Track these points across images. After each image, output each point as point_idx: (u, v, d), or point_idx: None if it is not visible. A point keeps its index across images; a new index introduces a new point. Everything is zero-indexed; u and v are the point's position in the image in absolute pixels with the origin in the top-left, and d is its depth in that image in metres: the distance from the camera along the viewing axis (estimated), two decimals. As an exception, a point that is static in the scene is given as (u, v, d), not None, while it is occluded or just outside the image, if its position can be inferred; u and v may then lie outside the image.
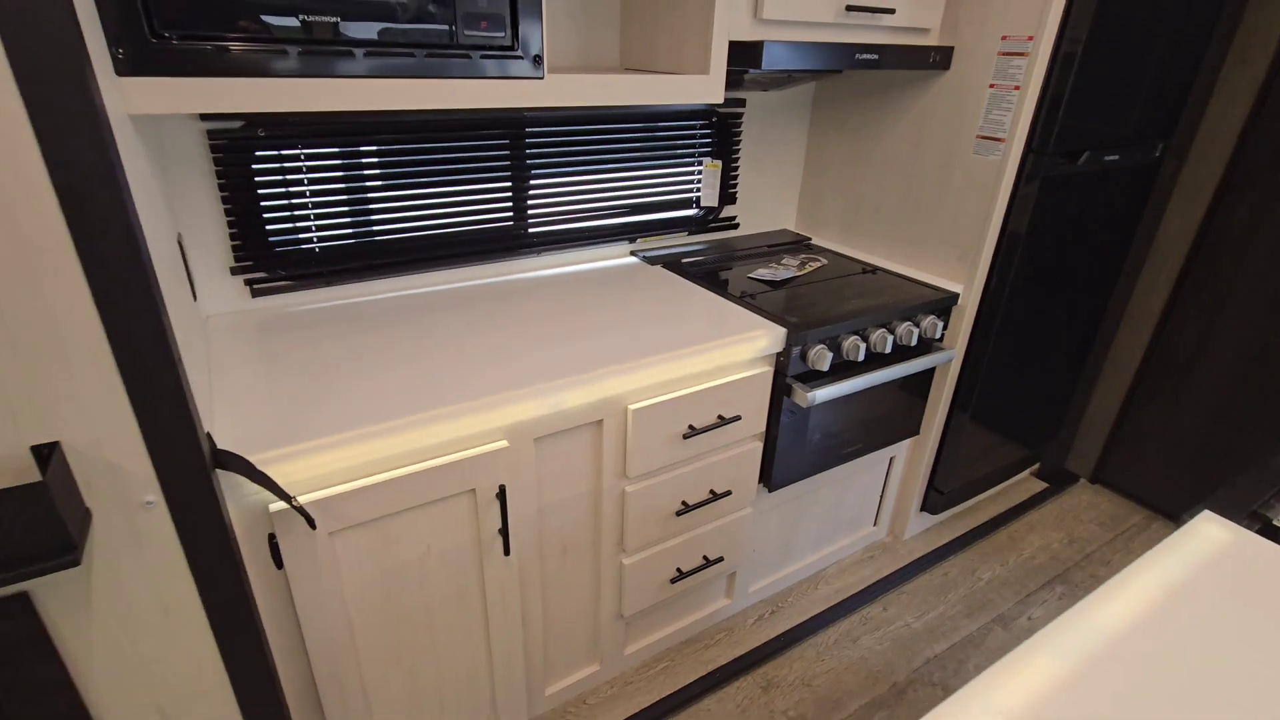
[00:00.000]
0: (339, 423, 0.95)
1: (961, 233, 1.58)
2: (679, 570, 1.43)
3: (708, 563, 1.46)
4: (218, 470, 0.82)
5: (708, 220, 1.84)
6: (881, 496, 1.87)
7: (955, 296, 1.57)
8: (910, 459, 1.83)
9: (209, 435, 0.83)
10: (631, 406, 1.18)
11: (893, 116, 1.67)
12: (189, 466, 0.75)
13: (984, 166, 1.50)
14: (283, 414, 0.97)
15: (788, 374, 1.36)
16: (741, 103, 1.74)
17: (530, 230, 1.58)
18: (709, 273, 1.62)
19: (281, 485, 0.88)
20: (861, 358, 1.41)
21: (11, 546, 0.63)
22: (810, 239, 1.95)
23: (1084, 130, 1.49)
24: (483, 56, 1.02)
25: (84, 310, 0.65)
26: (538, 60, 1.06)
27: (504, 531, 1.09)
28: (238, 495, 0.87)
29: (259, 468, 0.85)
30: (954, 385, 1.71)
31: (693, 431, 1.26)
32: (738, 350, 1.28)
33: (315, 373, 1.09)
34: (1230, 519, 0.80)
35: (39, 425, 0.67)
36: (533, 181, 1.54)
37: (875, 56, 1.38)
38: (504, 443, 1.05)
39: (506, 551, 1.11)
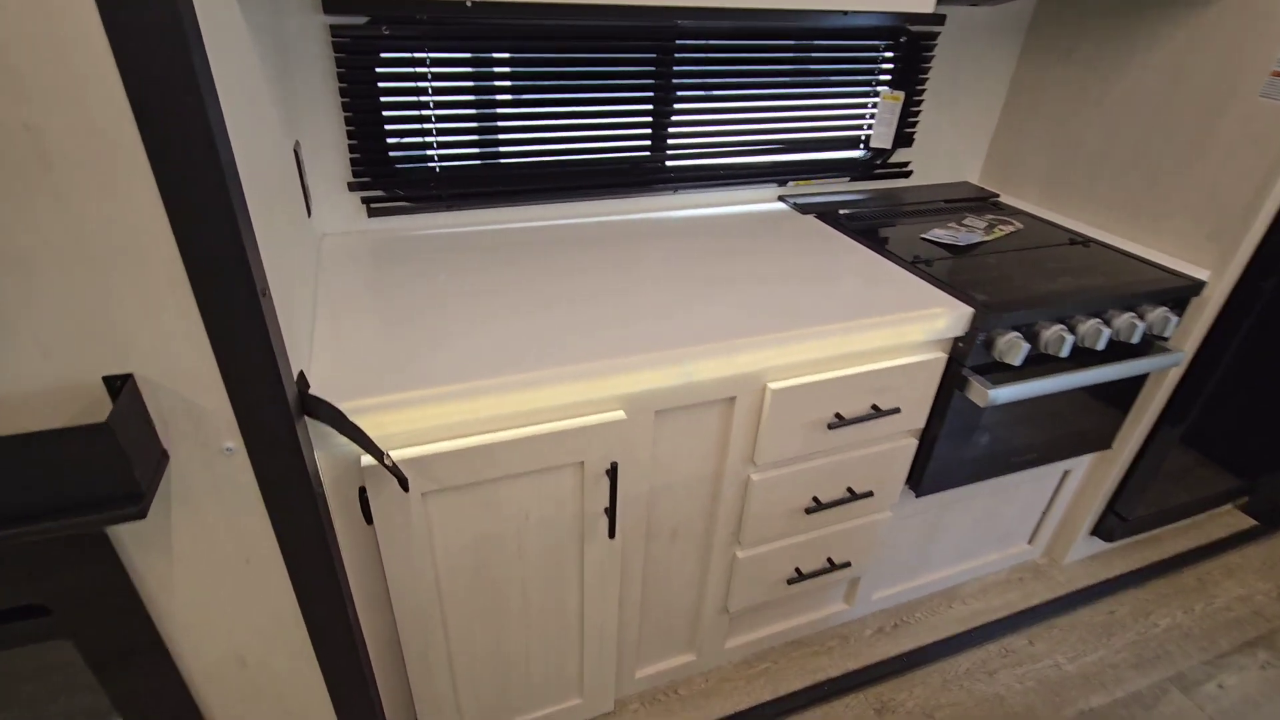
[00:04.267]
0: (445, 373, 0.83)
1: (1220, 202, 1.21)
2: (798, 571, 1.25)
3: (832, 566, 1.27)
4: (305, 418, 0.72)
5: (874, 165, 1.56)
6: (1045, 512, 1.58)
7: (1198, 285, 1.23)
8: (1091, 474, 1.52)
9: (300, 375, 0.74)
10: (771, 385, 0.99)
11: (1145, 43, 1.30)
12: (272, 413, 0.65)
13: (1274, 114, 1.12)
14: (386, 355, 0.87)
15: (965, 364, 1.10)
16: (940, 19, 1.42)
17: (668, 164, 1.39)
18: (871, 228, 1.36)
19: (375, 440, 0.78)
20: (1066, 353, 1.12)
21: (74, 489, 0.56)
22: (998, 196, 1.61)
23: None
24: (642, -64, 0.81)
25: (157, 221, 0.54)
26: (708, -56, 0.84)
27: (611, 512, 0.96)
28: (328, 444, 0.78)
29: (351, 418, 0.75)
30: (1169, 395, 1.37)
31: (840, 421, 1.05)
32: (908, 330, 1.04)
33: (425, 310, 0.98)
34: None
35: (112, 353, 0.58)
36: (677, 106, 1.33)
37: (1151, -45, 1.03)
38: (620, 414, 0.90)
39: (612, 533, 0.97)
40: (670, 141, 1.36)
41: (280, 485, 0.69)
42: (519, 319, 0.97)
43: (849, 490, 1.18)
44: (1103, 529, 1.59)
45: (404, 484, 0.77)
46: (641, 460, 0.98)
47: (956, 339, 1.10)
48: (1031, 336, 1.12)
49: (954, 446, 1.21)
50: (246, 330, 0.60)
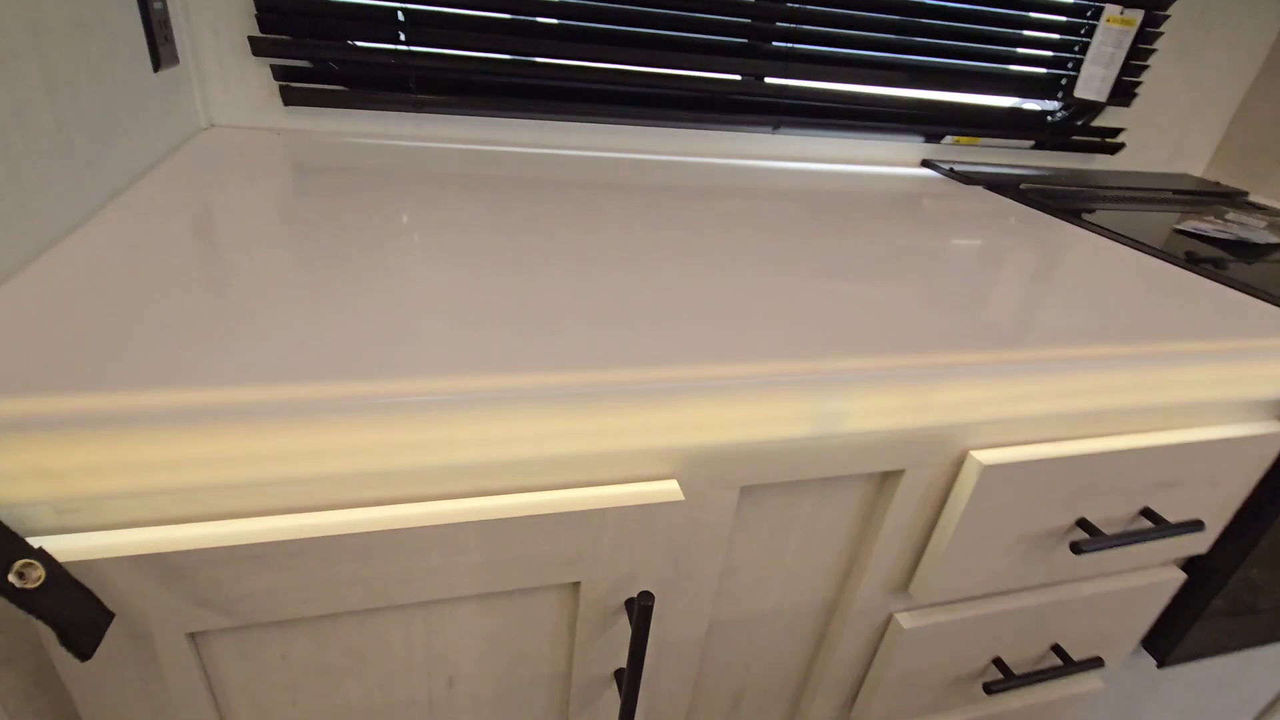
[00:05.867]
0: (280, 359, 0.35)
1: None
2: (938, 770, 0.73)
3: (994, 766, 0.74)
4: None
5: (1072, 127, 1.05)
6: (1294, 681, 1.02)
7: None
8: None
9: None
10: (982, 457, 0.48)
11: None
12: None
13: None
14: (182, 307, 0.39)
15: (1328, 449, 0.58)
16: (1214, -98, 0.92)
17: (769, 80, 0.90)
18: (1083, 211, 0.85)
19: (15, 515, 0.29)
20: None
21: None
22: (1246, 194, 1.09)
23: None
24: None
25: None
26: None
27: (631, 680, 0.45)
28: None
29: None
30: None
31: (1093, 540, 0.53)
32: (1240, 374, 0.53)
33: (330, 253, 0.51)
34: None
35: None
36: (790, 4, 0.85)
37: None
38: (673, 487, 0.41)
39: (624, 727, 0.47)
40: (777, 52, 0.88)
41: None
42: (497, 278, 0.48)
43: (1058, 653, 0.66)
44: (1386, 719, 1.01)
45: (74, 644, 0.28)
46: (703, 578, 0.48)
47: (1318, 400, 0.58)
48: None
49: (1248, 591, 0.68)
50: None
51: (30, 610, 0.27)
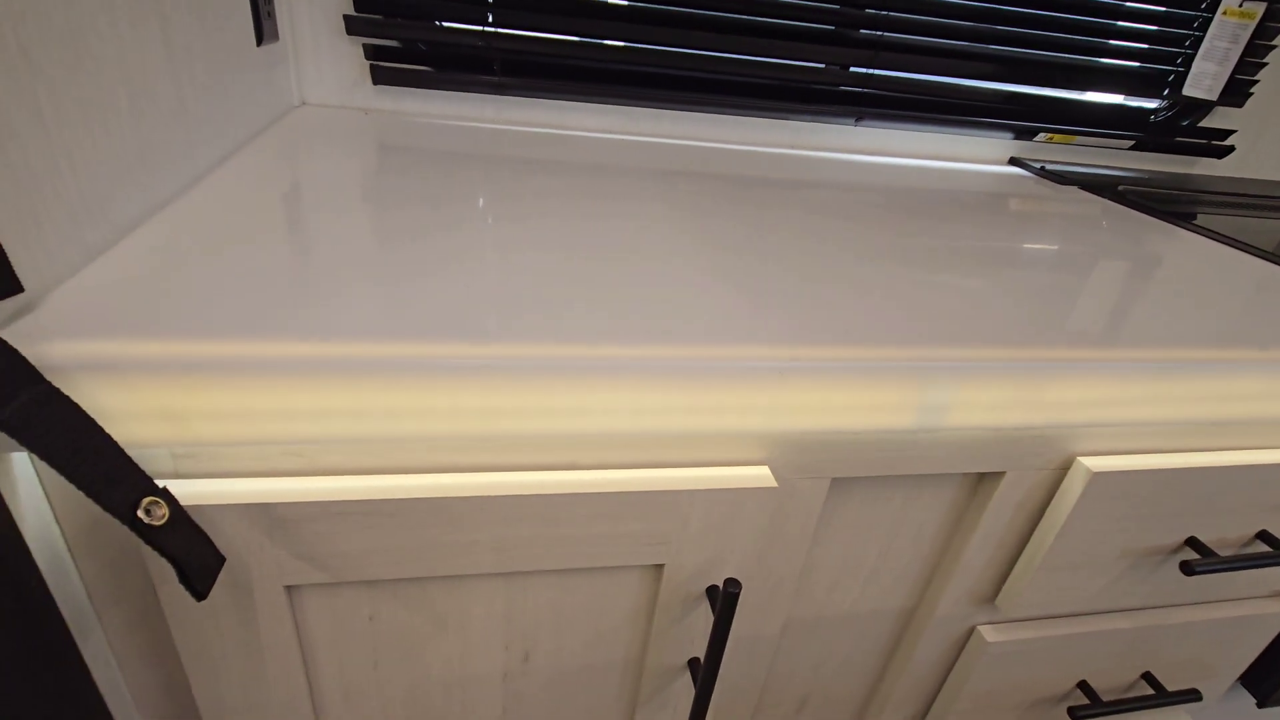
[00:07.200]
0: (378, 323, 0.36)
1: None
2: (1008, 794, 0.69)
3: (1068, 796, 0.70)
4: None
5: (1177, 127, 0.99)
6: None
7: None
8: None
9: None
10: (1091, 463, 0.45)
11: None
12: None
13: None
14: (283, 276, 0.40)
15: None
16: (1353, -113, 0.85)
17: (851, 79, 0.88)
18: (1188, 216, 0.80)
19: (131, 452, 0.30)
20: None
21: None
22: (1369, 206, 1.01)
23: None
24: None
25: None
26: None
27: (708, 674, 0.44)
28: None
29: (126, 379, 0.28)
30: None
31: (1205, 560, 0.50)
32: (1396, 388, 0.48)
33: (416, 233, 0.51)
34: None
35: None
36: (886, -19, 0.82)
37: None
38: (765, 474, 0.40)
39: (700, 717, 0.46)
40: (863, 40, 0.85)
41: None
42: (589, 257, 0.48)
43: (1150, 682, 0.62)
44: None
45: (193, 584, 0.29)
46: (785, 572, 0.46)
47: None
48: None
49: (1370, 631, 0.62)
50: None
51: (156, 546, 0.27)
